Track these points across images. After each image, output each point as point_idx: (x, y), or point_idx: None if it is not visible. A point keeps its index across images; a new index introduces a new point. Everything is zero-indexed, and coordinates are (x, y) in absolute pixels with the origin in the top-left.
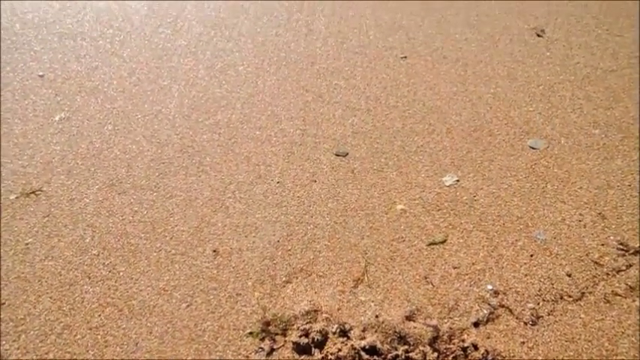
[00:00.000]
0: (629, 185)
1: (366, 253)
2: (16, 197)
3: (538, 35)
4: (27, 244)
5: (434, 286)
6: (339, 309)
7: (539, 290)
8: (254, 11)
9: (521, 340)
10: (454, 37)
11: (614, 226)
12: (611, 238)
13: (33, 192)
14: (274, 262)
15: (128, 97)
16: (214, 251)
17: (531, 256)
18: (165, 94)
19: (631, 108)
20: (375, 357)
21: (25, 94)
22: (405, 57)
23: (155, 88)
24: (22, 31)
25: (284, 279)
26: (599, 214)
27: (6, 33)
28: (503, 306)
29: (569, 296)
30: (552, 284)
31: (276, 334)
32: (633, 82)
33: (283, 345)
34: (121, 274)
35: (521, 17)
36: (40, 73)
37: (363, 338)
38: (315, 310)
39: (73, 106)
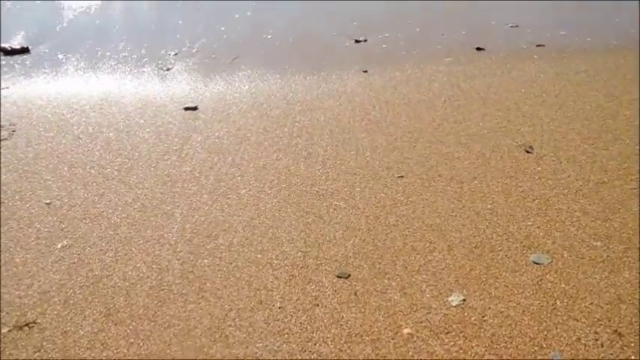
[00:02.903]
0: None
1: None
2: (9, 330)
3: (527, 152)
4: None
5: None
6: None
7: None
8: (256, 138)
9: None
10: (447, 156)
11: (632, 344)
12: (632, 357)
13: (26, 324)
14: None
15: (131, 224)
16: None
17: None
18: (167, 219)
19: (628, 219)
20: None
21: (30, 222)
22: (402, 176)
23: (158, 213)
24: (34, 161)
25: None
26: (615, 331)
27: (19, 163)
28: None
29: None
30: None
31: None
32: (625, 193)
33: None
34: None
35: (509, 135)
36: (47, 201)
37: None
38: None
39: (76, 233)
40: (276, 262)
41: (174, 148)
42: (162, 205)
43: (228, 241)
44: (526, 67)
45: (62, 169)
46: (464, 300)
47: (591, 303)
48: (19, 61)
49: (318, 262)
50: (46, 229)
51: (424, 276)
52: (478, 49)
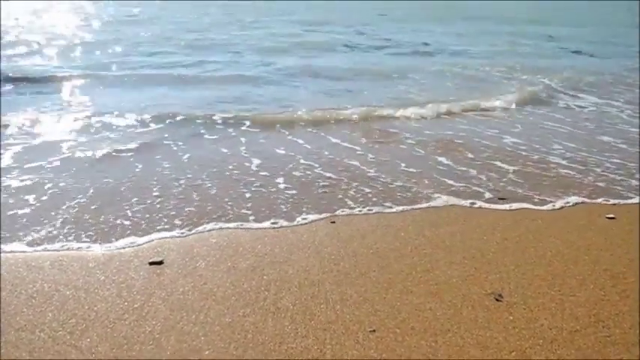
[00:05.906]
0: None
1: None
2: None
3: (497, 300)
4: None
5: None
6: None
7: None
8: (222, 293)
9: None
10: (419, 307)
11: None
12: None
13: None
14: None
15: None
16: None
17: None
18: None
19: None
20: None
21: None
22: (374, 330)
23: None
24: None
25: None
26: None
27: None
28: None
29: None
30: None
31: None
32: (600, 341)
33: None
34: None
35: (477, 283)
36: None
37: None
38: None
39: None
40: None
41: (135, 306)
42: None
43: None
44: (484, 215)
45: (8, 334)
46: None
47: None
48: None
49: None
50: None
51: None
52: None
